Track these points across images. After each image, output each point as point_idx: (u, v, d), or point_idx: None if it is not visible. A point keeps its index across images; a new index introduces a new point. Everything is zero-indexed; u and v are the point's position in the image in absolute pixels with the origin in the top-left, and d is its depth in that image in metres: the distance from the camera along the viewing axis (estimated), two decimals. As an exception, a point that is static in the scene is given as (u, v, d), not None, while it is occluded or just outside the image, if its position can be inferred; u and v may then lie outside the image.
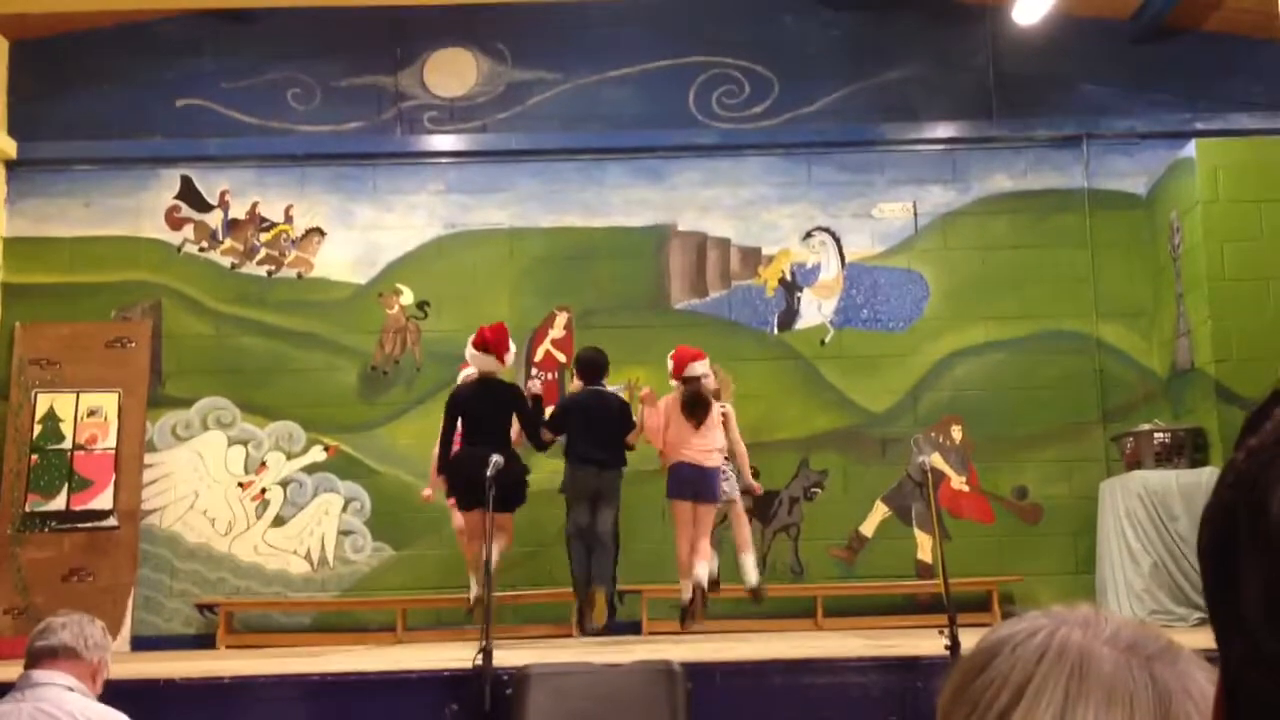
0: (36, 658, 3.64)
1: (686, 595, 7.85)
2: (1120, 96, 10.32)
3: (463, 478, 7.49)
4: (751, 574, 8.07)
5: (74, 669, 3.62)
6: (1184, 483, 8.78)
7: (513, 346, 8.00)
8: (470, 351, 7.96)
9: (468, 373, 8.30)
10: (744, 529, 8.23)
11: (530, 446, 8.16)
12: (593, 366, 8.28)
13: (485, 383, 7.88)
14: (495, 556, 7.19)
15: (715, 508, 8.03)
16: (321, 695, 5.60)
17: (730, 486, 8.26)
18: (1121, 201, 10.20)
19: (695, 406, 7.88)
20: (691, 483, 7.87)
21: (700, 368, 8.00)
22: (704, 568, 7.82)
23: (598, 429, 8.01)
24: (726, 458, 8.20)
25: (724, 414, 8.18)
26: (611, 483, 8.04)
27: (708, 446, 7.90)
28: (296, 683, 5.70)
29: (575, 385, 8.52)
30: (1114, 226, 10.14)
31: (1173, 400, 9.75)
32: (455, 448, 7.82)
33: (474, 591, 7.78)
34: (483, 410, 7.77)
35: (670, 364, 8.09)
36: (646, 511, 8.68)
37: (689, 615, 7.89)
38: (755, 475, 8.66)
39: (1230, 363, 9.02)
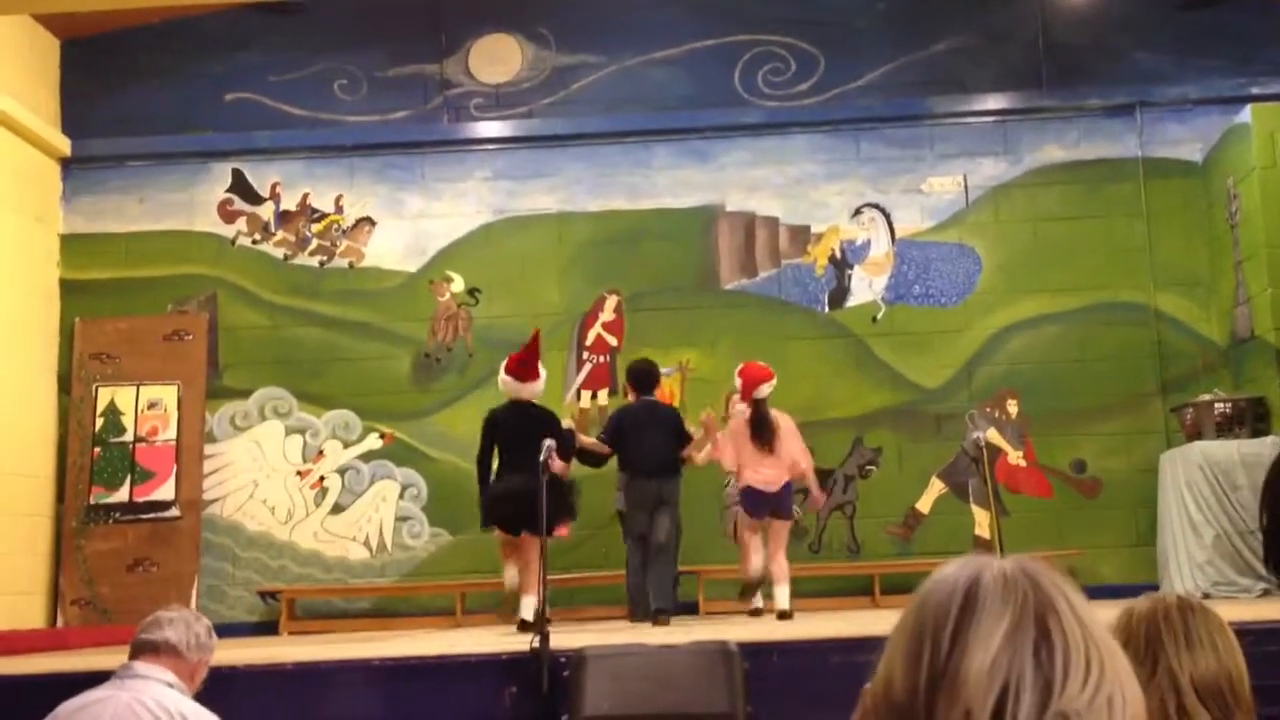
0: (140, 650, 3.68)
1: (756, 572, 7.96)
2: (1172, 63, 10.15)
3: (498, 513, 7.57)
4: (786, 602, 7.93)
5: (175, 666, 3.66)
6: (1246, 452, 8.65)
7: (543, 371, 7.83)
8: (503, 377, 7.81)
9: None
10: (782, 558, 8.09)
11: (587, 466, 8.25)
12: (646, 378, 8.26)
13: (520, 406, 7.75)
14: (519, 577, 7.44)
15: (790, 523, 8.15)
16: (383, 679, 5.65)
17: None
18: (1176, 169, 10.04)
19: (764, 430, 7.85)
20: (767, 503, 7.90)
21: (768, 389, 7.93)
22: (784, 591, 7.83)
23: (653, 440, 7.98)
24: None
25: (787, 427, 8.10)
26: (671, 491, 8.01)
27: (779, 467, 7.87)
28: (358, 667, 5.75)
29: (630, 397, 8.46)
30: (1169, 195, 9.99)
31: (1233, 369, 9.61)
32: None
33: (522, 612, 7.67)
34: (518, 435, 7.59)
35: (739, 383, 8.00)
36: (703, 492, 8.67)
37: (749, 591, 8.09)
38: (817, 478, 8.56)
39: (1291, 330, 8.88)
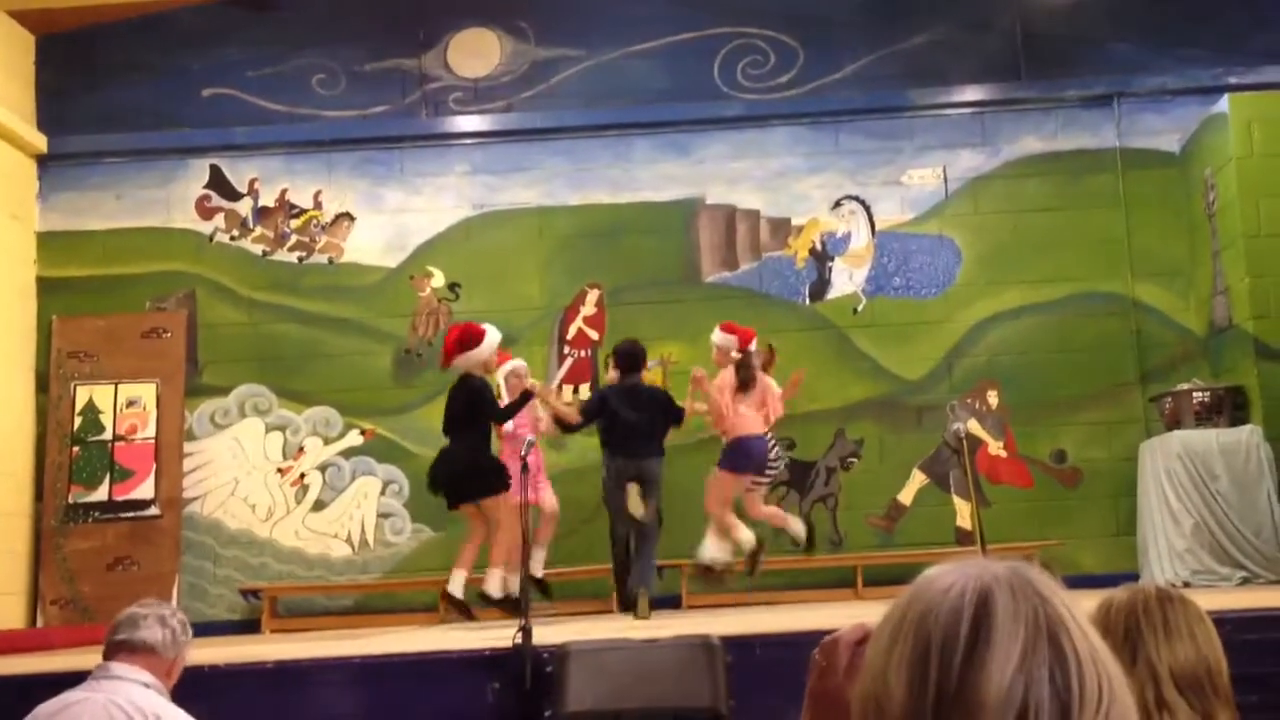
0: (115, 650, 3.65)
1: (751, 541, 8.04)
2: (1150, 53, 10.18)
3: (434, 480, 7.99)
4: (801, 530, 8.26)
5: (151, 665, 3.63)
6: (1224, 441, 8.70)
7: (484, 344, 7.96)
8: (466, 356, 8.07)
9: (514, 365, 8.47)
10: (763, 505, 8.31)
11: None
12: (630, 359, 8.34)
13: (461, 380, 8.04)
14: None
15: (765, 489, 8.45)
16: (366, 677, 5.65)
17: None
18: (1154, 160, 10.08)
19: (748, 376, 8.10)
20: (753, 460, 8.09)
21: (754, 346, 8.24)
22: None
23: (635, 420, 8.06)
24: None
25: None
26: (653, 470, 8.10)
27: (761, 416, 8.14)
28: (341, 665, 5.74)
29: (612, 376, 8.52)
30: (1147, 185, 10.03)
31: (1211, 359, 9.65)
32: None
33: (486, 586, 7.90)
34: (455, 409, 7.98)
35: (734, 339, 8.19)
36: (687, 485, 8.67)
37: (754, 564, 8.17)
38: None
39: (1269, 319, 8.93)
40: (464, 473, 7.79)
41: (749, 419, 8.06)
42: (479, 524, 7.95)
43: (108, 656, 3.66)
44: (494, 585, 7.70)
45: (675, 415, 8.32)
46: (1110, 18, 10.20)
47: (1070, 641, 1.00)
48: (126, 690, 3.53)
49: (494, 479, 7.77)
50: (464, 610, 7.90)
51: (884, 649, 1.05)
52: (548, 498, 8.45)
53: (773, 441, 8.35)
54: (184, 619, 3.82)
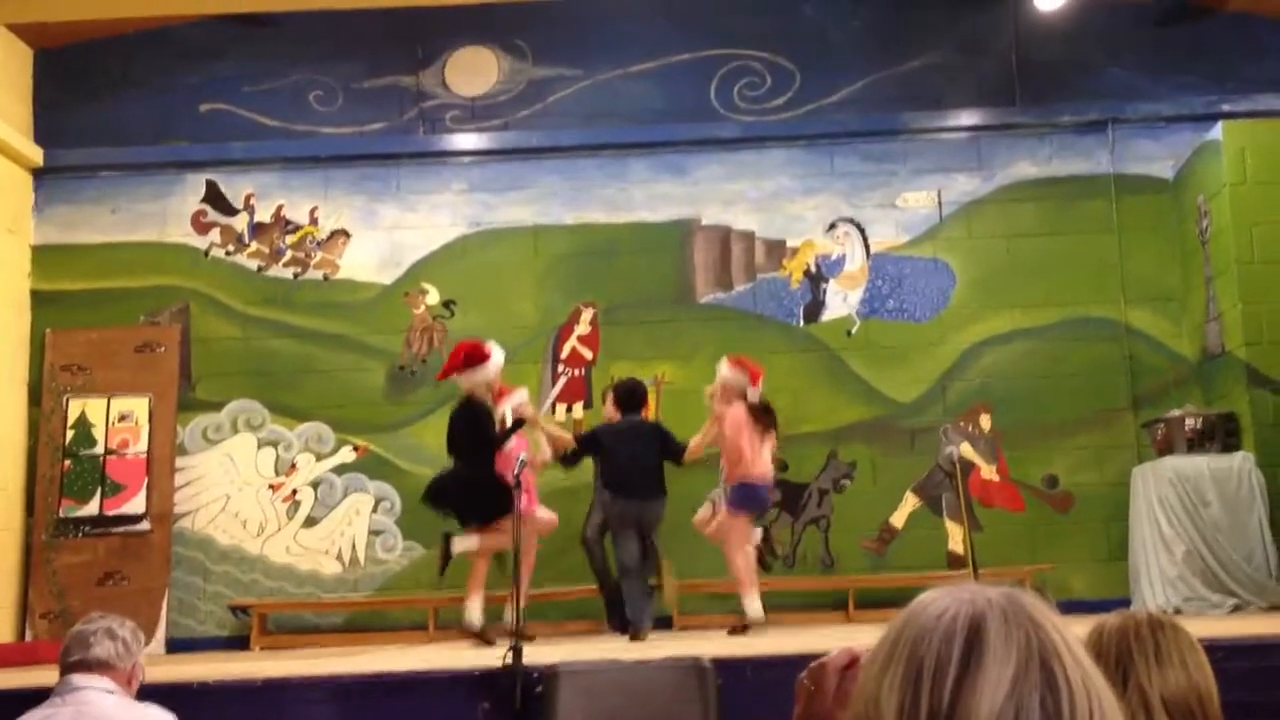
0: (72, 670, 3.67)
1: (757, 612, 7.78)
2: (1145, 80, 10.23)
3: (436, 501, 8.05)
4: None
5: (110, 675, 3.65)
6: (1216, 468, 8.70)
7: (490, 365, 8.02)
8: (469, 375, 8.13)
9: (518, 399, 8.36)
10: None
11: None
12: (631, 396, 8.28)
13: (463, 403, 8.08)
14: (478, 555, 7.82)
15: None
16: (355, 695, 5.62)
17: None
18: (1148, 186, 10.12)
19: (768, 416, 7.91)
20: (764, 501, 8.06)
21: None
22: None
23: (639, 459, 7.95)
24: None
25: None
26: (656, 513, 8.02)
27: (770, 459, 8.02)
28: (330, 683, 5.72)
29: (610, 414, 8.47)
30: (1141, 211, 10.06)
31: (1204, 385, 9.67)
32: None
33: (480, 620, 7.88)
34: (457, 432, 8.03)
35: (745, 374, 7.99)
36: (677, 506, 8.66)
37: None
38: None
39: (1261, 346, 8.95)
40: (469, 498, 7.77)
41: (764, 462, 7.89)
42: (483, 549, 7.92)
43: (65, 675, 3.68)
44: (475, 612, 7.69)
45: (673, 452, 8.11)
46: (1105, 44, 10.25)
47: (1062, 668, 1.00)
48: (92, 699, 3.55)
49: (505, 501, 7.74)
50: (485, 639, 7.77)
51: (877, 672, 1.05)
52: (543, 515, 8.40)
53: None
54: (133, 626, 3.82)
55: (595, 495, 8.44)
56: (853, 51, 10.34)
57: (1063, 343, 9.93)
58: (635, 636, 7.70)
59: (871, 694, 1.04)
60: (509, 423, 8.03)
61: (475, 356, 7.94)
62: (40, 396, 9.88)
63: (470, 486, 7.77)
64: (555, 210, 10.26)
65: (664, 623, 9.13)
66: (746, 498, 7.85)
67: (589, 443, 8.29)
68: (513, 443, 8.03)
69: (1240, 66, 10.15)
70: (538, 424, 8.54)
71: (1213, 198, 9.34)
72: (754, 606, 7.78)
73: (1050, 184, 10.18)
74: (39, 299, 10.12)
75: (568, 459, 8.40)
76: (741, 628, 7.86)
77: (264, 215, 10.33)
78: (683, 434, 8.29)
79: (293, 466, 9.98)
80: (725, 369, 8.09)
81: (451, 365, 8.02)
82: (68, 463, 9.74)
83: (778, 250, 10.21)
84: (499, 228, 10.25)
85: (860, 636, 1.09)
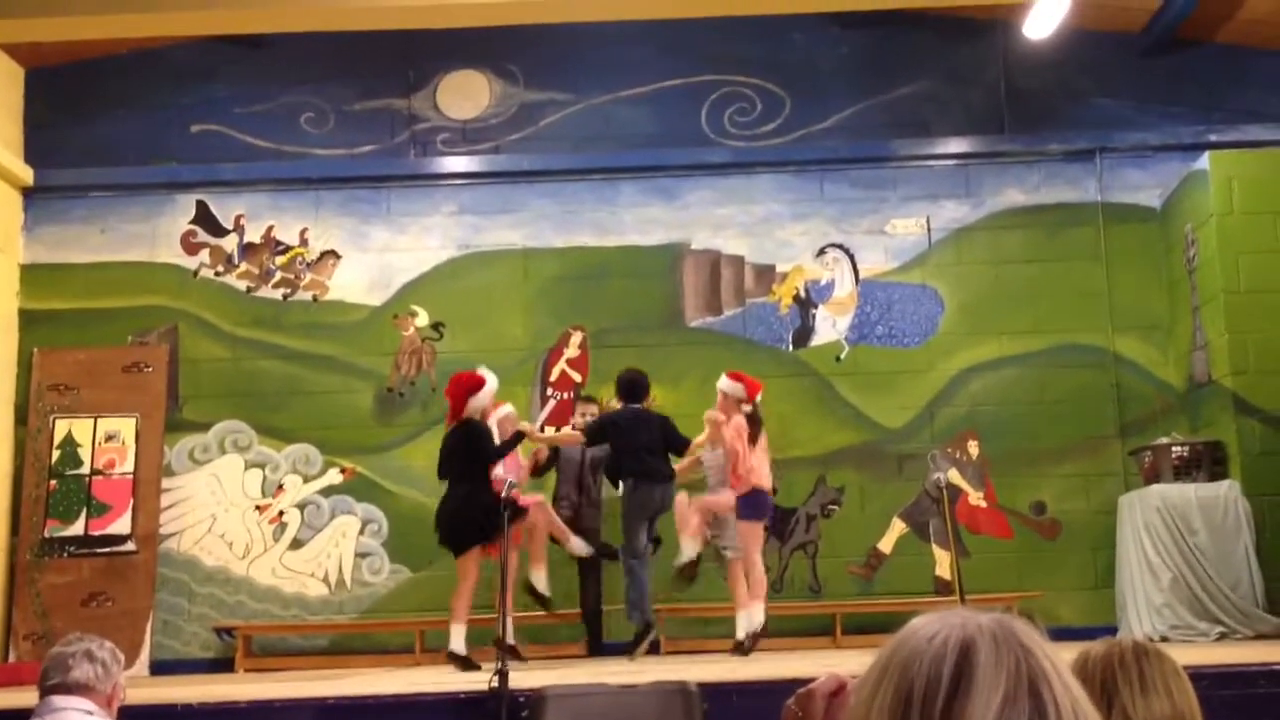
0: (51, 693, 3.66)
1: (760, 620, 8.01)
2: (1133, 109, 10.30)
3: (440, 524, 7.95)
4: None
5: (90, 697, 3.64)
6: (1203, 496, 8.73)
7: (484, 390, 8.05)
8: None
9: (506, 411, 8.42)
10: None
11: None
12: (634, 386, 8.37)
13: (454, 426, 8.05)
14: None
15: None
16: (340, 718, 5.60)
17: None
18: (1135, 215, 10.17)
19: (758, 427, 8.15)
20: (771, 508, 8.34)
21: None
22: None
23: (647, 444, 8.11)
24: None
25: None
26: (671, 497, 8.18)
27: (769, 466, 8.23)
28: (314, 706, 5.69)
29: (613, 404, 8.68)
30: (1128, 240, 10.11)
31: (1190, 413, 9.71)
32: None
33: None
34: (447, 453, 8.00)
35: (743, 388, 8.19)
36: (664, 528, 8.65)
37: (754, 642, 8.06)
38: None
39: (1248, 375, 8.98)
40: (467, 518, 7.70)
41: (762, 469, 8.10)
42: (474, 570, 7.87)
43: (44, 696, 3.67)
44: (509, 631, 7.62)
45: (676, 444, 8.29)
46: (1093, 74, 10.32)
47: (1051, 693, 1.01)
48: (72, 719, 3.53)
49: (499, 521, 7.74)
50: (469, 665, 7.74)
51: (867, 695, 1.06)
52: (574, 542, 8.44)
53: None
54: (112, 648, 3.80)
55: (625, 503, 8.25)
56: (843, 79, 10.40)
57: (1050, 370, 9.96)
58: (649, 628, 7.86)
59: (861, 716, 1.05)
60: (495, 434, 8.08)
61: (475, 386, 7.96)
62: (27, 416, 9.84)
63: (468, 508, 7.72)
64: (545, 233, 10.28)
65: (650, 647, 9.09)
66: (757, 505, 8.09)
67: (599, 429, 8.29)
68: (500, 467, 8.02)
69: (1227, 97, 10.22)
70: (534, 435, 8.63)
71: (1200, 227, 9.40)
72: (760, 615, 8.02)
73: (1038, 212, 10.23)
74: (27, 318, 10.10)
75: (542, 467, 8.64)
76: (754, 638, 7.99)
77: (254, 236, 10.33)
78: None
79: (280, 488, 9.95)
80: (725, 382, 8.31)
81: (459, 400, 7.97)
82: (53, 483, 9.70)
83: (767, 275, 10.24)
84: (489, 250, 10.26)
85: (848, 662, 1.09)
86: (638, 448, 8.09)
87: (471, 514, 7.67)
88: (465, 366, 9.83)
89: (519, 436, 8.13)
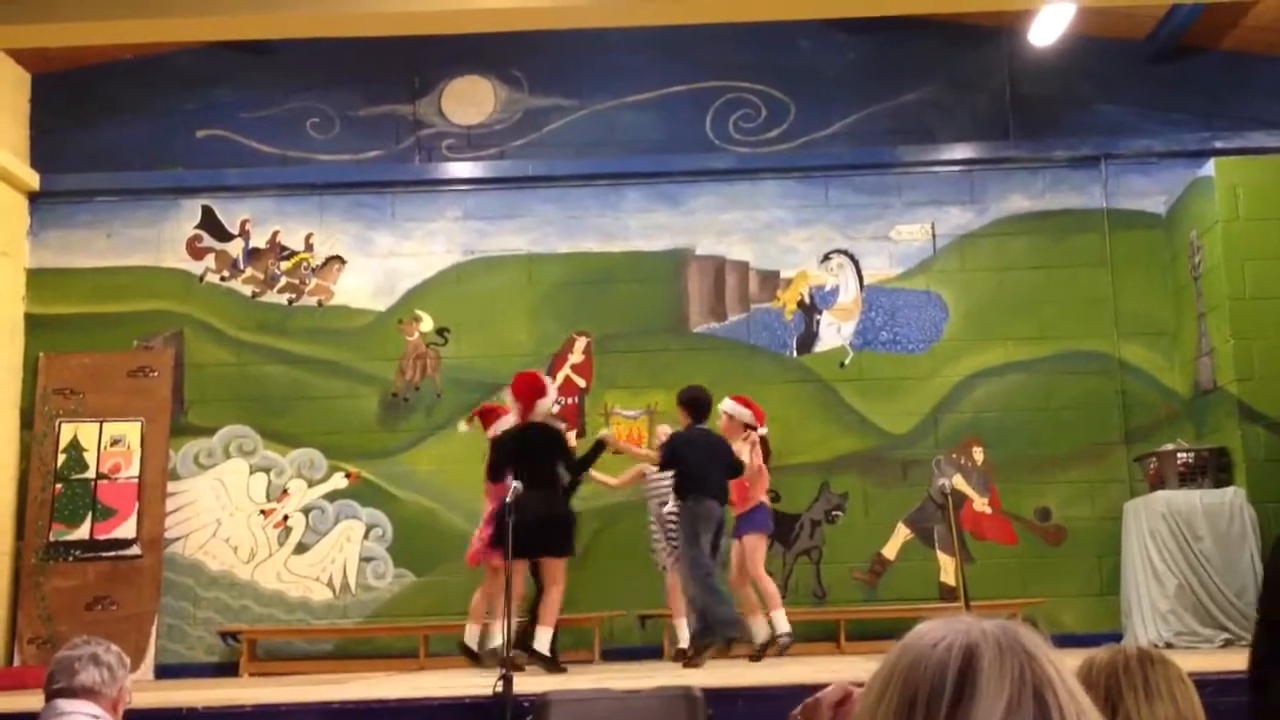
0: (56, 696, 3.66)
1: (785, 627, 8.18)
2: (1138, 116, 10.30)
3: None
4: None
5: (95, 701, 3.64)
6: (1208, 502, 8.72)
7: (550, 391, 8.06)
8: (509, 398, 8.05)
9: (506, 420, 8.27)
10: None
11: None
12: (698, 405, 8.31)
13: (527, 427, 7.79)
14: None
15: None
16: (343, 723, 5.60)
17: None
18: (1141, 221, 10.17)
19: (767, 450, 8.50)
20: (770, 519, 8.59)
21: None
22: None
23: (717, 466, 8.09)
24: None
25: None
26: (723, 517, 8.21)
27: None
28: (319, 710, 5.69)
29: (665, 430, 8.70)
30: (1133, 246, 10.11)
31: (1196, 420, 9.69)
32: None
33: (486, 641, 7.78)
34: (525, 455, 7.65)
35: (751, 414, 8.39)
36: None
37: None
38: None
39: (1253, 381, 8.97)
40: (554, 525, 7.55)
41: (764, 484, 8.49)
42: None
43: (50, 700, 3.67)
44: (544, 642, 7.55)
45: (735, 467, 8.21)
46: (1098, 80, 10.32)
47: (1056, 699, 1.01)
48: None
49: (572, 537, 7.76)
50: (477, 659, 7.69)
51: (873, 701, 1.06)
52: None
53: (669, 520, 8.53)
54: (119, 652, 3.80)
55: (682, 519, 8.14)
56: (848, 85, 10.41)
57: (1055, 376, 9.95)
58: (734, 641, 7.85)
59: None
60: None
61: (540, 388, 7.88)
62: (33, 420, 9.86)
63: (554, 514, 7.58)
64: (550, 239, 10.29)
65: (654, 652, 9.11)
66: (766, 518, 8.45)
67: (674, 455, 8.20)
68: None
69: (1232, 104, 10.22)
70: (617, 444, 8.64)
71: (1205, 233, 9.39)
72: (783, 620, 8.19)
73: (1043, 218, 10.23)
74: (33, 322, 10.12)
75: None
76: (774, 643, 8.12)
77: (259, 241, 10.35)
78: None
79: (284, 492, 9.96)
80: (731, 405, 8.45)
81: (531, 398, 7.78)
82: (59, 487, 9.72)
83: (772, 281, 10.24)
84: (494, 256, 10.27)
85: (851, 668, 1.10)
86: (703, 465, 8.06)
87: (564, 521, 7.63)
88: (470, 372, 9.91)
89: (600, 446, 8.07)
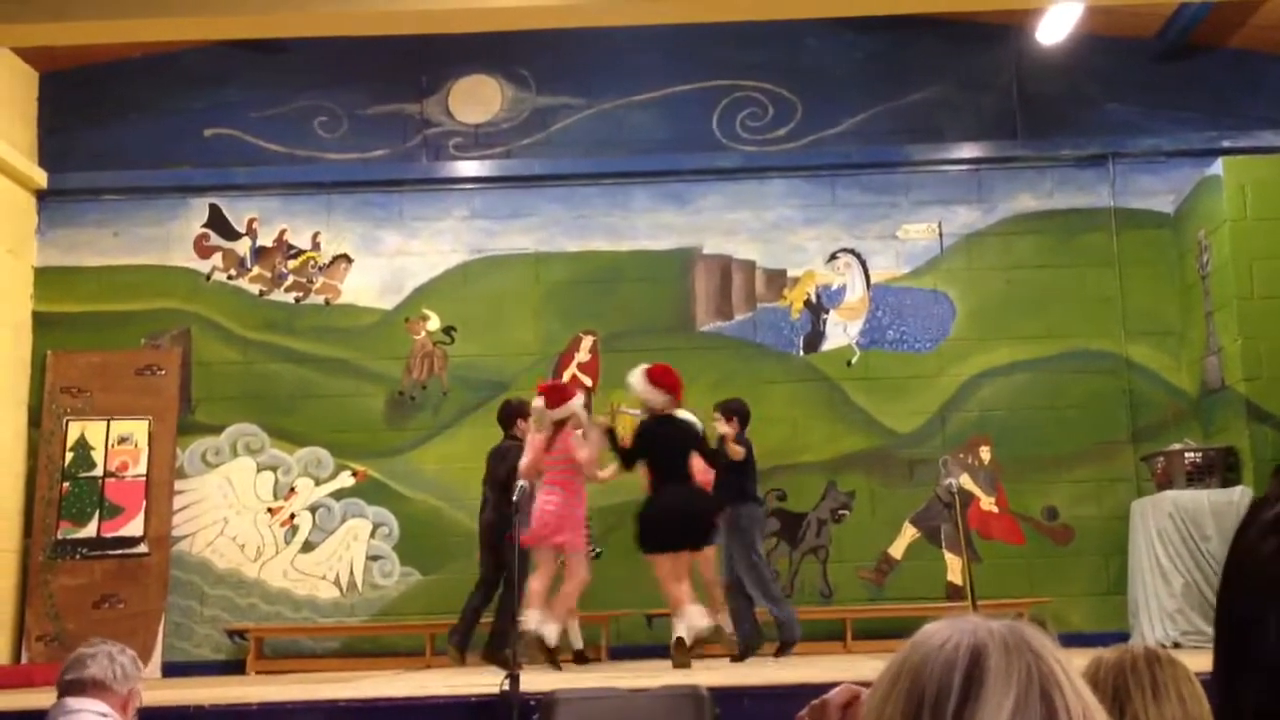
0: (67, 690, 3.68)
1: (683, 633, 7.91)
2: (1145, 115, 10.28)
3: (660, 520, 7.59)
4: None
5: (105, 699, 3.65)
6: (1215, 502, 8.71)
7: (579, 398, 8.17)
8: (645, 386, 7.82)
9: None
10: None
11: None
12: (748, 414, 8.42)
13: (665, 420, 7.73)
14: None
15: None
16: (350, 721, 5.61)
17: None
18: (1148, 220, 10.15)
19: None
20: None
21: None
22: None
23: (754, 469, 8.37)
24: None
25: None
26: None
27: None
28: (326, 708, 5.71)
29: (728, 430, 8.37)
30: (1141, 245, 10.09)
31: (1203, 419, 9.68)
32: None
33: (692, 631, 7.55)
34: (666, 447, 7.66)
35: (736, 420, 8.34)
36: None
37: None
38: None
39: (1261, 381, 8.95)
40: (697, 519, 7.59)
41: None
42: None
43: (61, 696, 3.68)
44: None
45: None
46: (1106, 79, 10.30)
47: (1063, 699, 1.01)
48: None
49: (712, 530, 7.77)
50: (684, 660, 7.54)
51: (879, 701, 1.06)
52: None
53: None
54: (134, 655, 3.83)
55: (736, 520, 8.11)
56: (855, 84, 10.40)
57: (1062, 375, 9.94)
58: (790, 643, 8.05)
59: None
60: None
61: (678, 382, 7.88)
62: (40, 418, 9.88)
63: (696, 509, 7.63)
64: (557, 238, 10.29)
65: (660, 652, 9.10)
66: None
67: (749, 448, 8.34)
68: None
69: (1240, 102, 10.20)
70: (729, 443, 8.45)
71: (1213, 233, 9.37)
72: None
73: (1050, 217, 10.22)
74: (41, 321, 10.14)
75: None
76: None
77: (266, 240, 10.36)
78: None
79: (291, 491, 9.98)
80: (720, 423, 8.33)
81: (671, 385, 7.78)
82: (66, 485, 9.74)
83: (778, 280, 10.24)
84: (501, 255, 10.28)
85: (858, 667, 1.10)
86: (754, 474, 8.31)
87: (706, 513, 7.64)
88: (477, 370, 9.92)
89: (723, 442, 8.04)
